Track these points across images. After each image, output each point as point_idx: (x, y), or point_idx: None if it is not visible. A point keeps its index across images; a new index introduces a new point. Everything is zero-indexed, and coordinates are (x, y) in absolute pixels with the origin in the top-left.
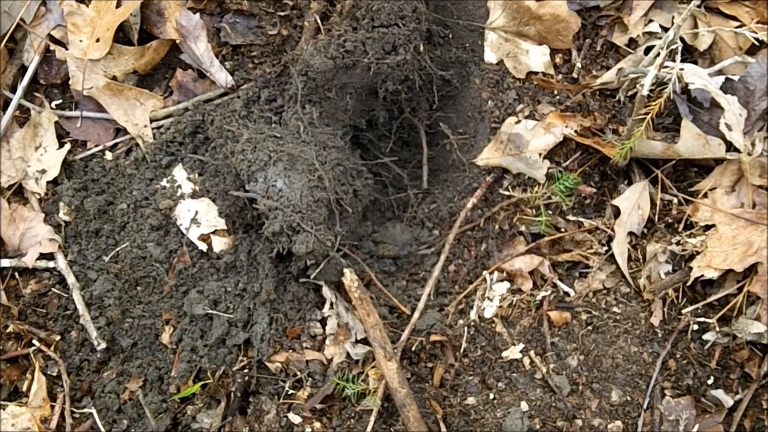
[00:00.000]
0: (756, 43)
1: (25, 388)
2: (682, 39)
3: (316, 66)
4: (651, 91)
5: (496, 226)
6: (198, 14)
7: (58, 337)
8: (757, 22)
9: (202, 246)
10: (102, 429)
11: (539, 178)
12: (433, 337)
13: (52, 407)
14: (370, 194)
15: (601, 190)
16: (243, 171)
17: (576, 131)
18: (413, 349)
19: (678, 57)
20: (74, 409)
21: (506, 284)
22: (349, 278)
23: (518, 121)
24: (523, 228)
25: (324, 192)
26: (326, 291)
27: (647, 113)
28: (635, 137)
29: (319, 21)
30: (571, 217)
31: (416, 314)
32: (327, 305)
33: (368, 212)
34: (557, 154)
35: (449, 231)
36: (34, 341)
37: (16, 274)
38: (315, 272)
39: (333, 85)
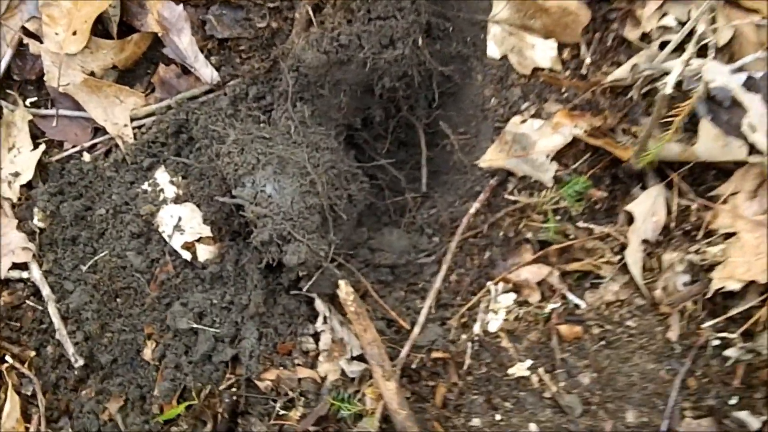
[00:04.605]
0: None
1: None
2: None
3: (308, 61)
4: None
5: (501, 233)
6: (181, 5)
7: (33, 353)
8: None
9: (186, 255)
10: None
11: (546, 181)
12: (435, 354)
13: (27, 429)
14: (366, 199)
15: (612, 194)
16: (229, 175)
17: (586, 131)
18: (413, 366)
19: (712, 53)
20: (50, 431)
21: (512, 296)
22: (345, 291)
23: (524, 121)
24: (529, 235)
25: (317, 197)
26: (319, 304)
27: (674, 115)
28: (663, 142)
29: (311, 13)
30: (581, 224)
31: (416, 329)
32: (320, 319)
33: (363, 218)
34: (565, 155)
35: (450, 238)
36: (8, 357)
37: None
38: (308, 285)
39: (326, 81)
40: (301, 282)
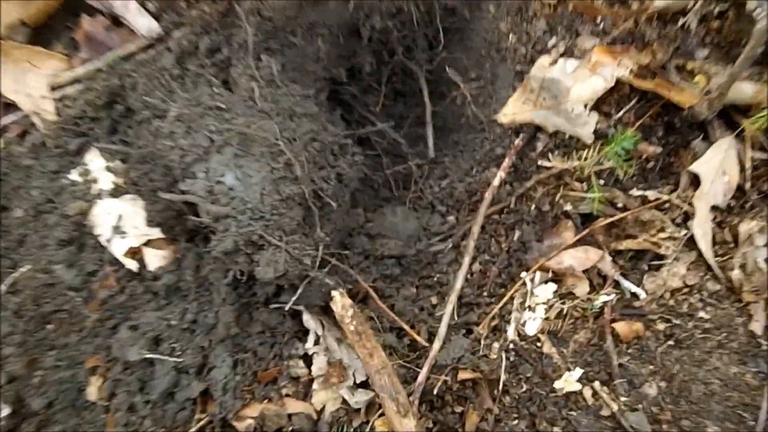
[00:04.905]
0: None
1: None
2: None
3: (272, 1)
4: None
5: (533, 207)
6: None
7: None
8: None
9: (132, 264)
10: None
11: (586, 137)
12: (462, 375)
13: None
14: (359, 172)
15: (667, 148)
16: (174, 163)
17: (631, 71)
18: (435, 391)
19: None
20: None
21: (552, 287)
22: (341, 305)
23: (553, 61)
24: (569, 207)
25: (295, 184)
26: (308, 319)
27: None
28: None
29: None
30: (634, 192)
31: (436, 344)
32: (311, 338)
33: (357, 195)
34: (606, 103)
35: (470, 216)
36: None
37: None
38: (292, 300)
39: (297, 25)
40: (282, 294)
